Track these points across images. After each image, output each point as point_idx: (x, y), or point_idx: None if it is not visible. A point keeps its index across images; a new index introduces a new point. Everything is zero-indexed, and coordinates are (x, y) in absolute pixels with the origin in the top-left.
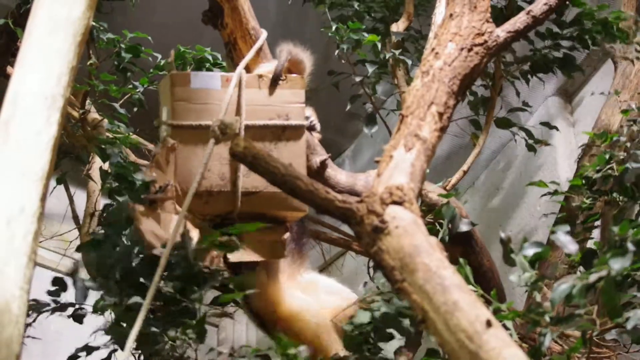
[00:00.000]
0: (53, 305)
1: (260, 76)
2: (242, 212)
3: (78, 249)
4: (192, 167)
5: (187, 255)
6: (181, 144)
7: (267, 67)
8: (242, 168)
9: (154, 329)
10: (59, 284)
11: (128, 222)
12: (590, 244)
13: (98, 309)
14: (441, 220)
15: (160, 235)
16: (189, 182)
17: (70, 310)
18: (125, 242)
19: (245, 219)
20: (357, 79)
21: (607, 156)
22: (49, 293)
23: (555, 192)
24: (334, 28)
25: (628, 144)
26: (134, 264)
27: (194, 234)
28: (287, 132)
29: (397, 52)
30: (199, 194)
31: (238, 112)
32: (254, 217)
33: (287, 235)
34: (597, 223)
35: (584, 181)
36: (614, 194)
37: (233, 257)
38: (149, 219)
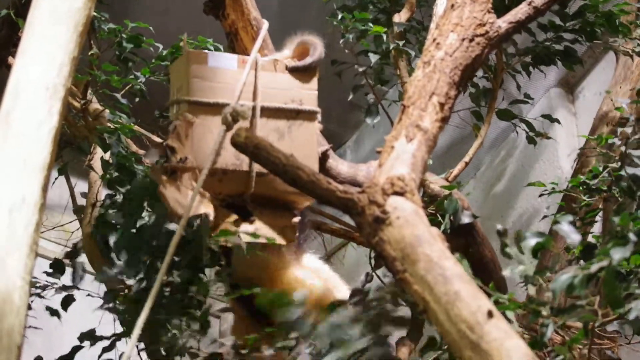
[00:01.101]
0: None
1: (276, 60)
2: (254, 193)
3: (96, 227)
4: (207, 145)
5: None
6: (197, 121)
7: (283, 54)
8: None
9: (158, 317)
10: (57, 267)
11: (151, 197)
12: (590, 240)
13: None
14: (443, 212)
15: (183, 203)
16: (204, 159)
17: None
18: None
19: (256, 202)
20: (360, 69)
21: (601, 167)
22: (48, 275)
23: (553, 191)
24: (339, 17)
25: (622, 148)
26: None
27: (210, 212)
28: (300, 117)
29: (400, 43)
30: (214, 171)
31: (254, 94)
32: (265, 200)
33: (296, 219)
34: (597, 218)
35: (581, 187)
36: (613, 191)
37: (246, 237)
38: (171, 187)
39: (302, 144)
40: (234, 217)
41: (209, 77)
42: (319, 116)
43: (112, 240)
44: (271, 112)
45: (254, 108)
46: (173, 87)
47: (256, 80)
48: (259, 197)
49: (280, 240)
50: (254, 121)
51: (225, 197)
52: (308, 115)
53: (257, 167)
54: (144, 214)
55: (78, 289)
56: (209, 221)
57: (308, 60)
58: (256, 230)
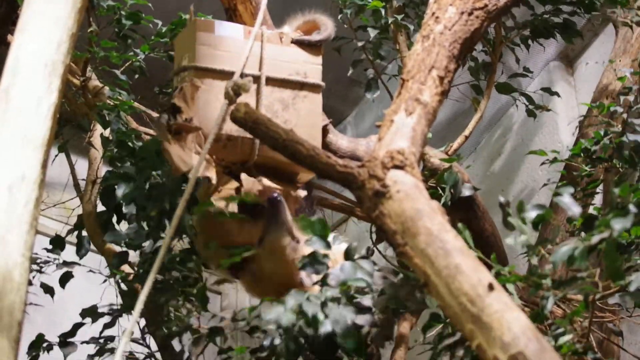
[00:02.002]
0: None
1: (282, 33)
2: (257, 162)
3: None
4: (212, 110)
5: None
6: (203, 86)
7: (282, 30)
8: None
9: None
10: (57, 243)
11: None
12: (590, 212)
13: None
14: (444, 185)
15: (187, 161)
16: (208, 125)
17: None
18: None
19: (262, 169)
20: (359, 44)
21: (602, 132)
22: (48, 251)
23: (555, 160)
24: None
25: (625, 115)
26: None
27: (213, 176)
28: (304, 89)
29: (399, 17)
30: (219, 137)
31: (260, 63)
32: (268, 170)
33: (300, 192)
34: (598, 190)
35: (582, 154)
36: (614, 161)
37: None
38: (175, 144)
39: (307, 114)
40: (236, 184)
41: (216, 45)
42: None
43: (120, 191)
44: (276, 83)
45: (259, 77)
46: (177, 58)
47: (262, 50)
48: (261, 167)
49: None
50: (260, 89)
51: (228, 164)
52: (312, 88)
53: None
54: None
55: (79, 264)
56: (211, 184)
57: (316, 36)
58: (260, 180)
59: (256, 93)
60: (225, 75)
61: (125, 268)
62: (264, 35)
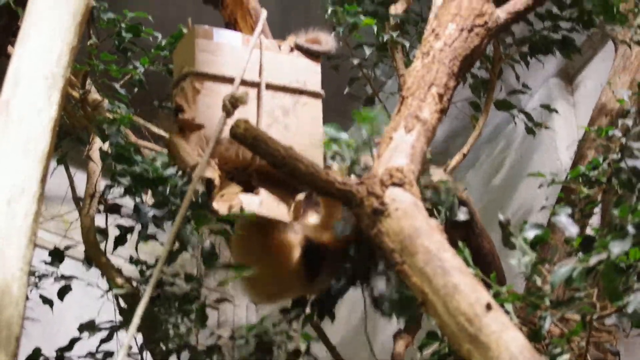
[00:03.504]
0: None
1: (280, 42)
2: (259, 169)
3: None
4: (213, 114)
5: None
6: (203, 91)
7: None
8: (264, 121)
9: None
10: (56, 256)
11: None
12: (589, 233)
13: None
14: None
15: (193, 156)
16: (208, 130)
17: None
18: None
19: (262, 176)
20: (355, 61)
21: (601, 159)
22: (46, 263)
23: (553, 182)
24: (329, 10)
25: (623, 140)
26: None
27: (216, 177)
28: (303, 97)
29: (394, 34)
30: (220, 140)
31: (260, 69)
32: (270, 177)
33: (301, 196)
34: (596, 210)
35: (581, 179)
36: (612, 183)
37: (267, 211)
38: (180, 138)
39: (307, 121)
40: (238, 188)
41: (215, 51)
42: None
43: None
44: (276, 89)
45: (259, 84)
46: (177, 69)
47: (261, 57)
48: (263, 173)
49: (283, 217)
50: (260, 95)
51: (230, 170)
52: (312, 96)
53: None
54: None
55: (77, 278)
56: (214, 186)
57: (317, 47)
58: (261, 202)
59: (257, 99)
60: (225, 80)
61: (124, 283)
62: (263, 44)
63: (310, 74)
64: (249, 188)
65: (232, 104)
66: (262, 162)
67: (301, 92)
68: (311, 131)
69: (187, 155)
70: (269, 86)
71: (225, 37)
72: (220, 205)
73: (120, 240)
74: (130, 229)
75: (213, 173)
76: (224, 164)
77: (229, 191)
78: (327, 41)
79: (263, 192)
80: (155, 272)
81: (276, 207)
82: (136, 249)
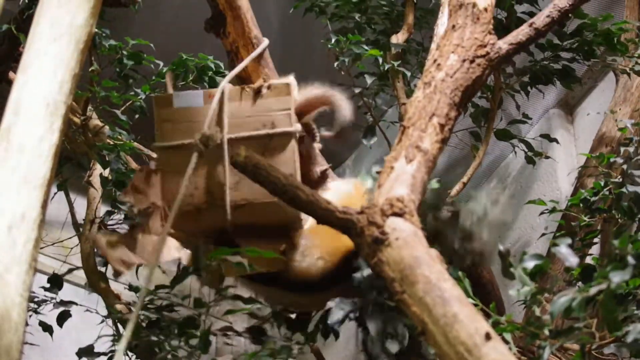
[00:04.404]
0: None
1: (242, 88)
2: (237, 224)
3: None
4: (177, 186)
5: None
6: (168, 165)
7: (309, 93)
8: (229, 181)
9: (154, 338)
10: (55, 282)
11: None
12: (588, 261)
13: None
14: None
15: (130, 262)
16: (174, 200)
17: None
18: None
19: (242, 232)
20: (357, 90)
21: (602, 183)
22: (45, 289)
23: (554, 210)
24: (333, 40)
25: (624, 166)
26: None
27: (183, 255)
28: (274, 141)
29: (396, 63)
30: (188, 212)
31: (220, 126)
32: (251, 228)
33: (284, 246)
34: (596, 240)
35: (582, 204)
36: (613, 212)
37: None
38: (117, 247)
39: (280, 164)
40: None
41: (176, 118)
42: (319, 136)
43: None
44: (242, 142)
45: (221, 141)
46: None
47: (221, 112)
48: (243, 227)
49: (270, 267)
50: (223, 154)
51: (209, 235)
52: (282, 138)
53: (231, 200)
54: None
55: (76, 304)
56: (181, 263)
57: (337, 126)
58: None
59: (222, 158)
60: (185, 148)
61: (123, 309)
62: (226, 95)
63: (279, 113)
64: (233, 246)
65: (203, 143)
66: (237, 219)
67: (270, 137)
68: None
69: (121, 266)
70: (234, 140)
71: (185, 101)
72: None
73: None
74: None
75: (178, 251)
76: (198, 234)
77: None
78: (341, 108)
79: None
80: (140, 296)
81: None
82: (136, 273)
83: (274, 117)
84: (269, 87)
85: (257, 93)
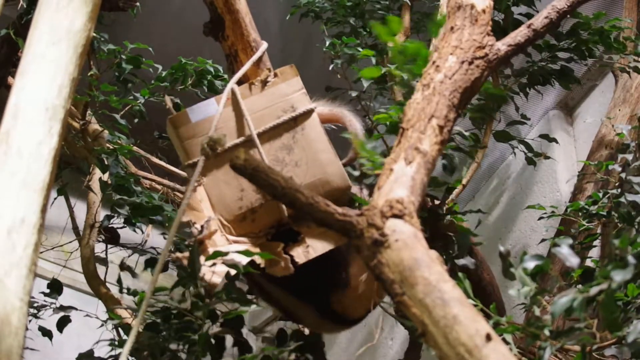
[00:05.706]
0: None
1: (250, 84)
2: (292, 214)
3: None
4: (226, 194)
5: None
6: (205, 177)
7: (319, 111)
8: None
9: (155, 340)
10: (55, 287)
11: None
12: (588, 265)
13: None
14: None
15: (219, 271)
16: (227, 208)
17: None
18: None
19: (299, 218)
20: (353, 94)
21: (600, 193)
22: (45, 294)
23: (553, 214)
24: (327, 43)
25: (622, 174)
26: None
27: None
28: (298, 121)
29: (393, 66)
30: (243, 215)
31: (240, 125)
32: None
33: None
34: (596, 243)
35: (580, 213)
36: (612, 215)
37: (315, 251)
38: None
39: (312, 143)
40: (281, 245)
41: (197, 132)
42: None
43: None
44: (270, 134)
45: (251, 139)
46: (178, 152)
47: (242, 112)
48: (299, 215)
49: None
50: (259, 149)
51: (268, 232)
52: (305, 117)
53: None
54: None
55: (76, 309)
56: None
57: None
58: (309, 246)
59: (258, 154)
60: (217, 155)
61: (123, 313)
62: (238, 94)
63: (295, 95)
64: (293, 238)
65: (210, 147)
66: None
67: (295, 119)
68: (319, 149)
69: (213, 277)
70: (262, 134)
71: (200, 113)
72: (210, 275)
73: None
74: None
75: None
76: (259, 232)
77: (277, 252)
78: (351, 123)
79: (307, 239)
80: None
81: (326, 243)
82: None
83: (292, 100)
84: (275, 75)
85: (265, 84)
